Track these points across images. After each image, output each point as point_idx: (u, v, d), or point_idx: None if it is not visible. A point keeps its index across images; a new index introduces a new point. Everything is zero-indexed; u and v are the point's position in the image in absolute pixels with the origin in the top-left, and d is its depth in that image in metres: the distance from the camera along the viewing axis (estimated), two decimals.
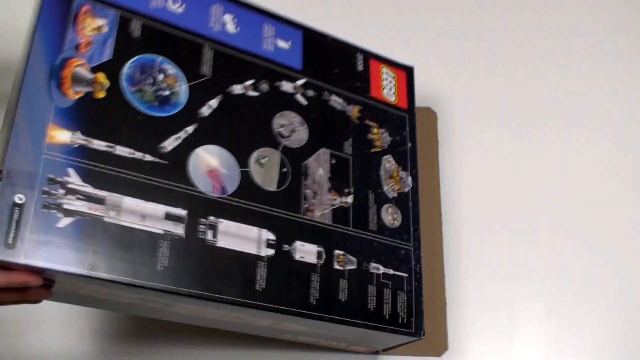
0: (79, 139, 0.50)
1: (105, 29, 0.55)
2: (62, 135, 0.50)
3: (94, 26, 0.54)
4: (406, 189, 0.65)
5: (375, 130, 0.65)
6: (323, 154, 0.61)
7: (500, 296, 0.72)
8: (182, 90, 0.56)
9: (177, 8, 0.59)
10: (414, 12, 0.87)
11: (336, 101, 0.64)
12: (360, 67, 0.67)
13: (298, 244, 0.57)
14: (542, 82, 0.84)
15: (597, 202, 0.78)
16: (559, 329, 0.71)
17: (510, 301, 0.72)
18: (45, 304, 0.51)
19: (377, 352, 0.67)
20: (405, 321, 0.60)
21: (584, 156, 0.80)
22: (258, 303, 0.53)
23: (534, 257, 0.74)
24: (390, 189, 0.64)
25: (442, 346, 0.69)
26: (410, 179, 0.66)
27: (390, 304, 0.60)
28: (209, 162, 0.55)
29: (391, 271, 0.61)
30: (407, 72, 0.71)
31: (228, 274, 0.53)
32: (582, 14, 0.88)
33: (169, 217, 0.52)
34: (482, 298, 0.72)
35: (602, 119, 0.82)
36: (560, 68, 0.85)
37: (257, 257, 0.54)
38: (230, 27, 0.61)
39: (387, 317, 0.59)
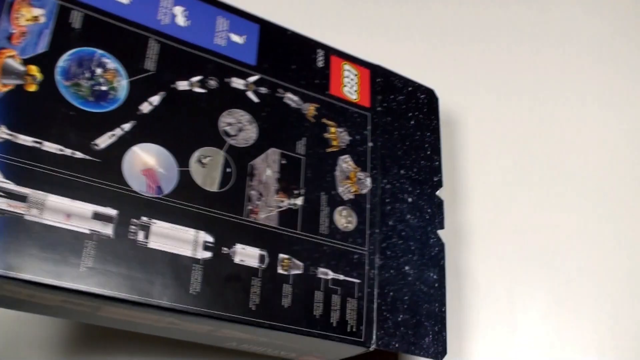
0: (3, 133, 0.48)
1: (42, 19, 0.53)
2: None
3: (29, 16, 0.52)
4: (364, 191, 0.62)
5: (333, 129, 0.63)
6: (272, 153, 0.59)
7: (501, 295, 0.70)
8: (122, 85, 0.54)
9: None
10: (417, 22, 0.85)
11: (291, 99, 0.62)
12: (320, 64, 0.65)
13: (239, 247, 0.55)
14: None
15: (603, 196, 0.75)
16: (561, 328, 0.69)
17: (511, 299, 0.70)
18: None
19: None
20: (354, 329, 0.57)
21: (586, 152, 0.78)
22: (190, 308, 0.51)
23: (536, 256, 0.72)
24: (345, 190, 0.61)
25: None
26: (369, 180, 0.63)
27: (338, 311, 0.57)
28: (146, 161, 0.53)
29: (341, 276, 0.58)
30: (370, 70, 0.68)
31: (159, 277, 0.51)
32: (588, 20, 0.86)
33: (97, 216, 0.50)
34: (482, 297, 0.70)
35: (612, 114, 0.80)
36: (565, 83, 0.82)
37: (193, 260, 0.52)
38: (181, 20, 0.59)
39: (334, 324, 0.57)
